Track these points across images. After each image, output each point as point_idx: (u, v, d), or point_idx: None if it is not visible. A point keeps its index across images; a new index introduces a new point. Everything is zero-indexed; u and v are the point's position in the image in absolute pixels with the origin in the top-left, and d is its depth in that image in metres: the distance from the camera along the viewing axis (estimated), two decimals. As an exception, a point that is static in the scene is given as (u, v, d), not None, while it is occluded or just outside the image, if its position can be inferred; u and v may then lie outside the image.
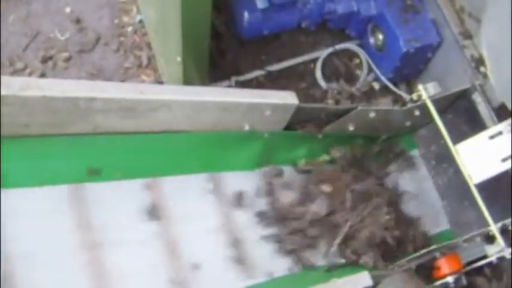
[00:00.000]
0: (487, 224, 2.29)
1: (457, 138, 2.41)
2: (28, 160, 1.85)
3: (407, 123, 2.66)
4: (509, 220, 2.30)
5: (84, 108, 1.76)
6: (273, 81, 3.12)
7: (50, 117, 1.74)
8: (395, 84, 3.13)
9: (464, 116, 2.57)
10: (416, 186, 2.79)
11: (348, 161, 2.57)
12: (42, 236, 1.80)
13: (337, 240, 2.33)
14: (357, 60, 3.28)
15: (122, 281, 1.88)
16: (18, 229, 1.75)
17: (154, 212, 2.04)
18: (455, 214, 2.68)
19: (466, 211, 2.61)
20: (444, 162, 2.71)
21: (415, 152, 2.83)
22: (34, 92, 1.65)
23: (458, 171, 2.44)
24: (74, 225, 1.87)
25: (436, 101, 2.46)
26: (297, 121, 2.32)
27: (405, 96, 3.06)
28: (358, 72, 3.27)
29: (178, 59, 2.43)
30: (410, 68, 3.05)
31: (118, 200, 1.99)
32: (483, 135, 2.37)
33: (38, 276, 1.73)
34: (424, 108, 2.48)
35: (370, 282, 2.00)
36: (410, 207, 2.71)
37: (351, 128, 2.45)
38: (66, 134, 1.86)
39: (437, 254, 2.33)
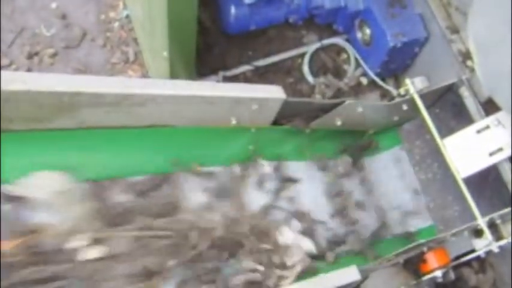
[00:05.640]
0: (474, 218, 2.30)
1: (445, 132, 2.42)
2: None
3: (395, 118, 2.66)
4: (497, 214, 2.30)
5: (69, 102, 1.74)
6: (261, 77, 3.12)
7: (34, 112, 1.72)
8: (383, 79, 3.14)
9: (451, 110, 2.58)
10: (398, 181, 2.80)
11: None
12: None
13: None
14: (345, 55, 3.28)
15: None
16: None
17: None
18: (439, 210, 2.68)
19: (450, 206, 2.62)
20: (428, 157, 2.71)
21: (399, 147, 2.83)
22: (18, 86, 1.63)
23: (442, 166, 2.44)
24: None
25: (423, 96, 2.46)
26: (284, 116, 2.30)
27: (393, 90, 3.07)
28: (345, 67, 3.27)
29: (165, 54, 2.41)
30: (398, 62, 3.05)
31: None
32: (470, 130, 2.39)
33: None
34: (411, 102, 2.49)
35: (358, 277, 1.99)
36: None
37: (339, 122, 2.44)
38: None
39: (424, 249, 2.33)
